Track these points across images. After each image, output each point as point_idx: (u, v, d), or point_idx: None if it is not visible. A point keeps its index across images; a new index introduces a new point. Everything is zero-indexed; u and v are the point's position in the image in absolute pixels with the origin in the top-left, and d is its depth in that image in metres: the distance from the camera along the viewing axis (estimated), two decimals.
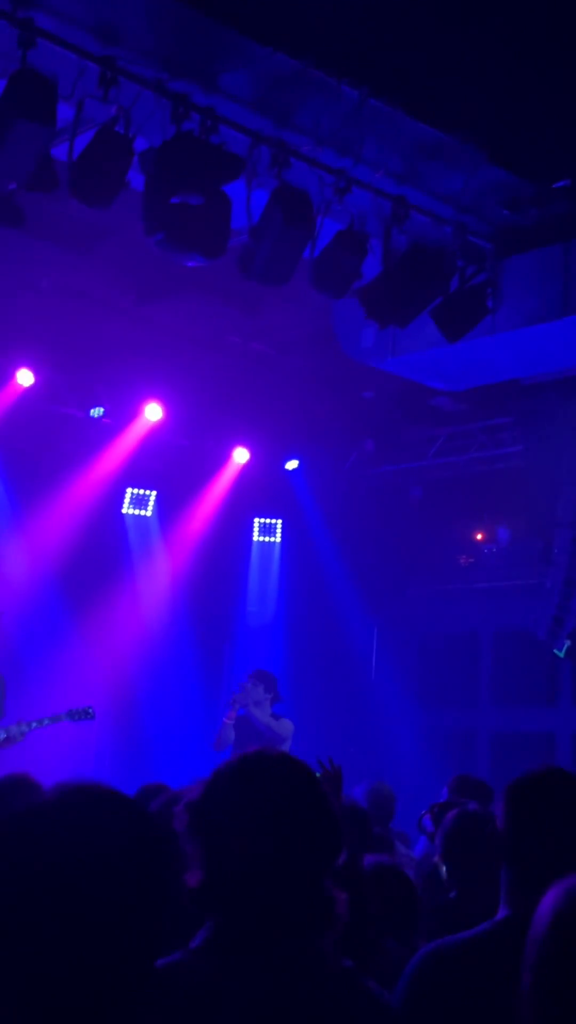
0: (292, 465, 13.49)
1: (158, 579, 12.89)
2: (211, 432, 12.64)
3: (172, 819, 2.25)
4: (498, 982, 2.15)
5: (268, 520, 13.80)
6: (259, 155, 7.18)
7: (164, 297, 10.29)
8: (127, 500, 12.88)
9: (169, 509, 12.93)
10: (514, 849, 2.67)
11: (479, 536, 13.12)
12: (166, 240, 7.04)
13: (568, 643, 11.44)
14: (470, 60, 6.84)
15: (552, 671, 12.10)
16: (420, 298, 8.31)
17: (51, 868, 1.47)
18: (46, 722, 8.91)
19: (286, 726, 9.57)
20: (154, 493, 12.95)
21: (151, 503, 12.97)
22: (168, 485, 12.83)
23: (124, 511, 12.89)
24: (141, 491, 12.92)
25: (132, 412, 11.99)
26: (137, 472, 12.46)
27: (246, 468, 13.05)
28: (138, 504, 12.94)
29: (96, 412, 11.91)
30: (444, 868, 4.24)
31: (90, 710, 9.19)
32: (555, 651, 11.54)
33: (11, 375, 11.07)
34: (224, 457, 12.95)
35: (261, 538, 13.82)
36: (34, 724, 8.82)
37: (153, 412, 11.97)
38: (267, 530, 13.83)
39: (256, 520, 13.76)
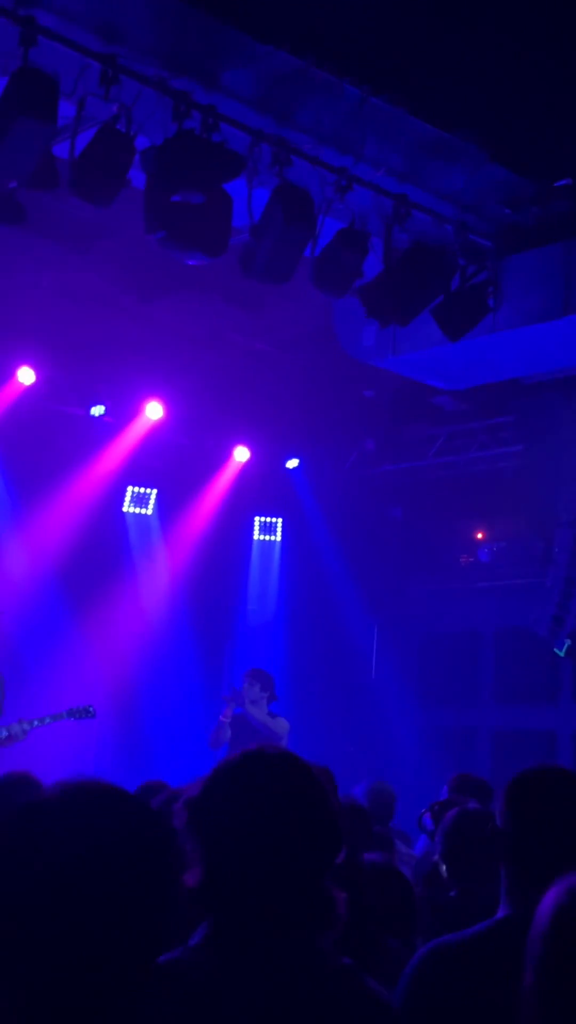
0: (292, 464, 13.49)
1: (158, 577, 12.90)
2: (212, 430, 12.64)
3: (172, 817, 2.25)
4: (499, 980, 2.15)
5: (268, 519, 13.81)
6: (260, 153, 7.18)
7: (165, 295, 10.29)
8: (128, 498, 12.88)
9: (170, 507, 12.94)
10: (514, 848, 2.67)
11: (479, 535, 13.12)
12: (167, 238, 7.04)
13: (568, 642, 11.44)
14: (471, 59, 6.84)
15: (552, 670, 12.10)
16: (421, 297, 8.31)
17: (55, 864, 1.47)
18: (47, 720, 8.92)
19: (282, 725, 9.58)
20: (155, 491, 12.96)
21: (152, 501, 12.98)
22: (169, 483, 12.83)
23: (125, 509, 12.89)
24: (142, 489, 12.92)
25: (133, 410, 11.99)
26: (138, 470, 12.46)
27: (247, 466, 13.05)
28: (139, 502, 12.95)
29: (97, 410, 11.91)
30: (444, 867, 4.24)
31: (91, 709, 9.20)
32: (555, 650, 11.54)
33: (12, 373, 11.07)
34: (225, 455, 12.95)
35: (261, 537, 13.82)
36: (35, 723, 8.83)
37: (154, 410, 11.98)
38: (267, 529, 13.83)
39: (256, 519, 13.76)
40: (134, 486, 12.84)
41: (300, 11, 6.51)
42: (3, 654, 10.21)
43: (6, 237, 8.38)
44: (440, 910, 4.07)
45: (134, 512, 12.94)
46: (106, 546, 12.36)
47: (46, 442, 11.65)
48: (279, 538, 13.82)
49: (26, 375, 11.09)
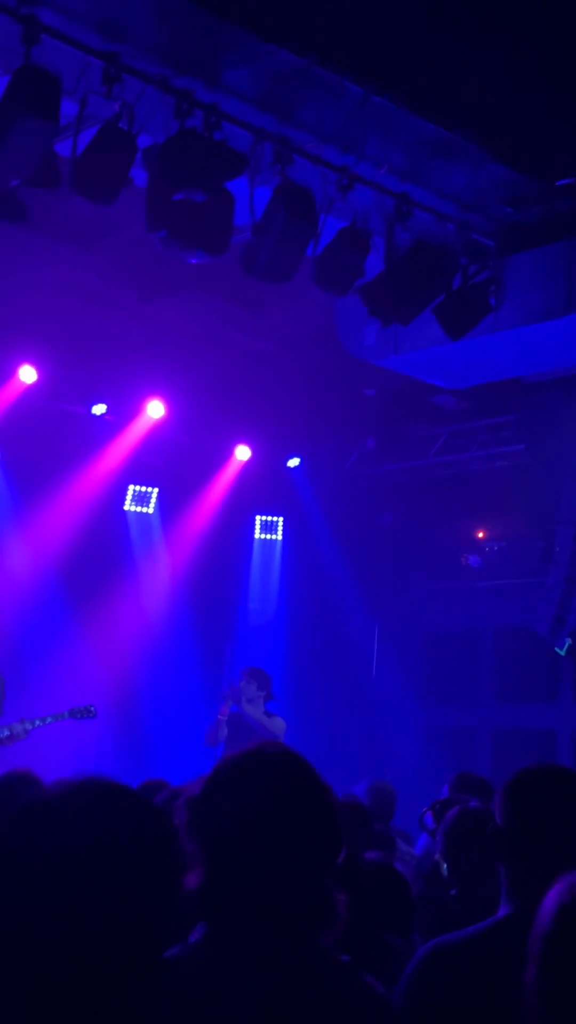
0: (294, 463, 13.49)
1: (160, 576, 12.90)
2: (213, 429, 12.64)
3: (173, 815, 2.25)
4: (500, 979, 2.15)
5: (269, 517, 13.81)
6: (262, 152, 7.18)
7: (167, 294, 10.29)
8: (129, 497, 12.89)
9: (171, 506, 12.94)
10: (514, 846, 2.67)
11: (480, 534, 13.12)
12: (169, 237, 7.04)
13: (569, 641, 11.44)
14: (473, 58, 6.84)
15: (553, 669, 12.10)
16: (423, 296, 8.31)
17: (58, 862, 1.47)
18: (49, 720, 8.94)
19: (279, 724, 9.57)
20: (156, 490, 12.96)
21: (153, 500, 12.98)
22: (170, 482, 12.83)
23: (126, 508, 12.90)
24: (143, 488, 12.92)
25: (134, 409, 11.99)
26: (139, 469, 12.47)
27: (248, 465, 13.05)
28: (140, 501, 12.95)
29: (98, 409, 11.91)
30: (445, 865, 4.24)
31: (92, 708, 9.21)
32: (556, 649, 11.54)
33: (13, 372, 11.07)
34: (226, 454, 12.95)
35: (262, 535, 13.83)
36: (37, 722, 8.84)
37: (155, 409, 11.98)
38: (268, 527, 13.84)
39: (257, 517, 13.77)
40: (135, 485, 12.85)
41: (302, 10, 6.51)
42: (4, 653, 10.22)
43: (8, 235, 8.38)
44: (441, 909, 4.07)
45: (135, 511, 12.95)
46: (107, 545, 12.36)
47: (47, 441, 11.65)
48: (280, 537, 13.83)
49: (27, 373, 11.09)
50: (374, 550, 13.31)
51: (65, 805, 1.54)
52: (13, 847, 1.50)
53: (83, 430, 11.90)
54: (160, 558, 12.96)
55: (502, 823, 2.72)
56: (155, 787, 4.51)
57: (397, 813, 6.72)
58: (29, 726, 8.78)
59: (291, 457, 13.45)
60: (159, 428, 12.10)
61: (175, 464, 12.63)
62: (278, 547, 13.83)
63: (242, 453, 12.97)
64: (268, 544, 13.84)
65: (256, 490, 13.21)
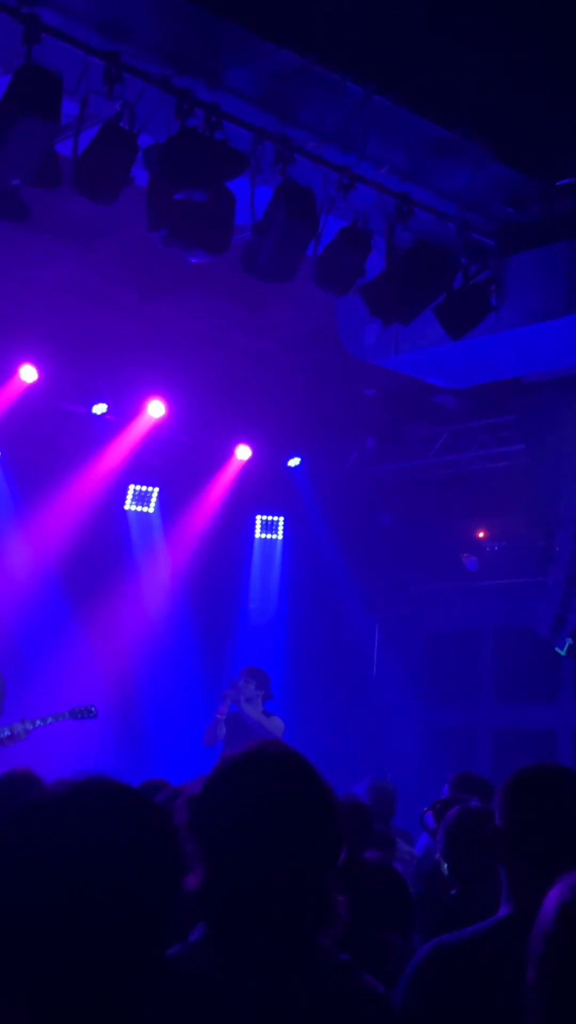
0: (294, 462, 13.49)
1: (160, 576, 12.90)
2: (213, 429, 12.64)
3: (173, 815, 2.25)
4: (501, 979, 2.15)
5: (270, 517, 13.81)
6: (263, 151, 7.17)
7: (167, 294, 10.29)
8: (129, 497, 12.89)
9: (171, 506, 12.94)
10: (514, 846, 2.67)
11: (480, 534, 13.12)
12: (170, 236, 7.04)
13: (570, 641, 11.44)
14: (475, 57, 6.83)
15: (553, 669, 12.10)
16: (423, 295, 8.30)
17: (60, 860, 1.47)
18: (50, 720, 8.94)
19: (277, 724, 9.57)
20: (156, 490, 12.96)
21: (153, 500, 12.98)
22: (170, 482, 12.83)
23: (126, 507, 12.90)
24: (143, 488, 12.92)
25: (135, 409, 11.99)
26: (139, 469, 12.47)
27: (248, 465, 13.05)
28: (140, 501, 12.95)
29: (99, 409, 11.91)
30: (445, 865, 4.24)
31: (92, 708, 9.21)
32: (557, 649, 11.54)
33: (14, 371, 11.07)
34: (226, 454, 12.95)
35: (263, 535, 13.82)
36: (38, 722, 8.85)
37: (156, 409, 11.98)
38: (269, 527, 13.84)
39: (258, 517, 13.77)
40: (136, 484, 12.85)
41: (303, 9, 6.51)
42: (4, 652, 10.22)
43: (9, 235, 8.38)
44: (441, 908, 4.08)
45: (136, 510, 12.95)
46: (108, 544, 12.37)
47: (48, 440, 11.65)
48: (280, 536, 13.83)
49: (28, 373, 11.09)
50: (374, 550, 13.31)
51: (67, 804, 1.54)
52: (15, 846, 1.50)
53: (83, 429, 11.90)
54: (160, 558, 12.96)
55: (501, 823, 2.72)
56: (155, 787, 4.51)
57: (397, 812, 6.72)
58: (30, 726, 8.78)
59: (291, 457, 13.46)
60: (160, 428, 12.10)
61: (176, 464, 12.63)
62: (278, 547, 13.84)
63: (243, 453, 12.97)
64: (268, 544, 13.84)
65: (256, 490, 13.21)
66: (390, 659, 13.35)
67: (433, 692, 13.26)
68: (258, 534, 13.80)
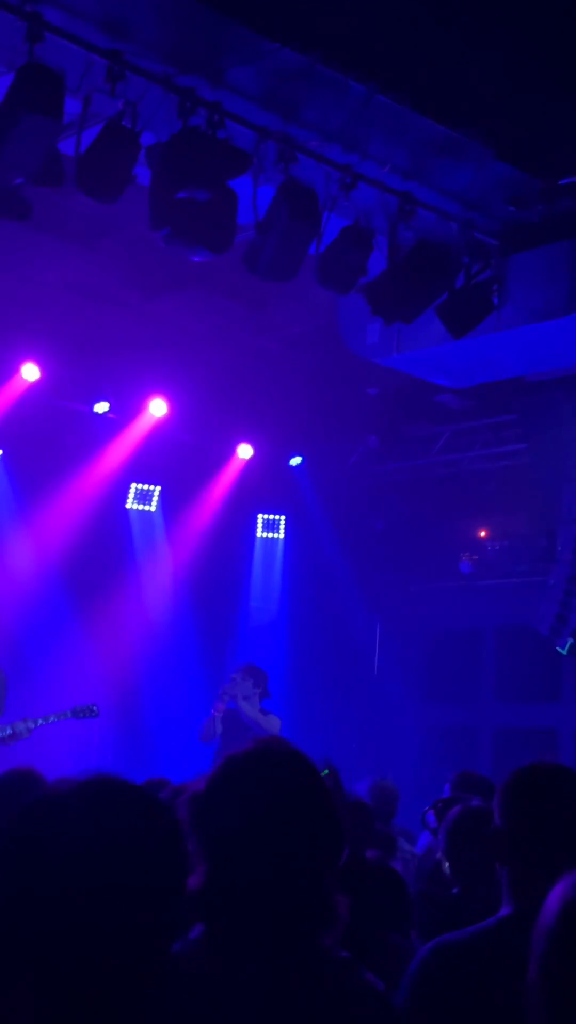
0: (296, 461, 13.50)
1: (162, 575, 12.90)
2: (215, 428, 12.64)
3: (178, 811, 2.25)
4: (503, 978, 2.15)
5: (272, 516, 13.81)
6: (266, 150, 7.18)
7: (169, 292, 10.29)
8: (131, 495, 12.89)
9: (173, 505, 12.94)
10: (514, 846, 2.67)
11: (482, 533, 13.12)
12: (172, 235, 7.04)
13: (571, 640, 11.43)
14: (477, 56, 6.83)
15: (554, 668, 12.10)
16: (425, 295, 8.30)
17: (66, 857, 1.47)
18: (51, 719, 8.93)
19: (274, 722, 9.55)
20: (158, 488, 12.96)
21: (155, 498, 12.98)
22: (172, 481, 12.83)
23: (128, 506, 12.89)
24: (145, 486, 12.92)
25: (137, 407, 11.99)
26: (141, 467, 12.47)
27: (250, 464, 13.05)
28: (142, 499, 12.95)
29: (101, 407, 11.91)
30: (447, 864, 4.24)
31: (94, 707, 9.20)
32: (558, 648, 11.54)
33: (16, 370, 11.08)
34: (228, 453, 12.96)
35: (265, 534, 13.82)
36: (40, 721, 8.84)
37: (158, 407, 11.98)
38: (271, 526, 13.83)
39: (260, 516, 13.76)
40: (138, 483, 12.85)
41: (306, 8, 6.51)
42: (6, 651, 10.22)
43: (11, 233, 8.38)
44: (443, 908, 4.07)
45: (138, 509, 12.95)
46: (109, 543, 12.37)
47: (50, 439, 11.66)
48: (282, 535, 13.82)
49: (30, 371, 11.09)
50: (376, 549, 13.31)
51: (73, 801, 1.54)
52: (21, 843, 1.50)
53: (85, 428, 11.90)
54: (162, 556, 12.97)
55: (501, 822, 2.71)
56: (157, 785, 4.52)
57: (399, 812, 6.71)
58: (32, 725, 8.77)
59: (293, 456, 13.46)
60: (161, 426, 12.10)
61: (177, 462, 12.63)
62: (280, 546, 13.83)
63: (244, 451, 12.97)
64: (270, 543, 13.84)
65: (258, 488, 13.21)
66: (391, 658, 13.35)
67: (434, 691, 13.26)
68: (260, 533, 13.80)
